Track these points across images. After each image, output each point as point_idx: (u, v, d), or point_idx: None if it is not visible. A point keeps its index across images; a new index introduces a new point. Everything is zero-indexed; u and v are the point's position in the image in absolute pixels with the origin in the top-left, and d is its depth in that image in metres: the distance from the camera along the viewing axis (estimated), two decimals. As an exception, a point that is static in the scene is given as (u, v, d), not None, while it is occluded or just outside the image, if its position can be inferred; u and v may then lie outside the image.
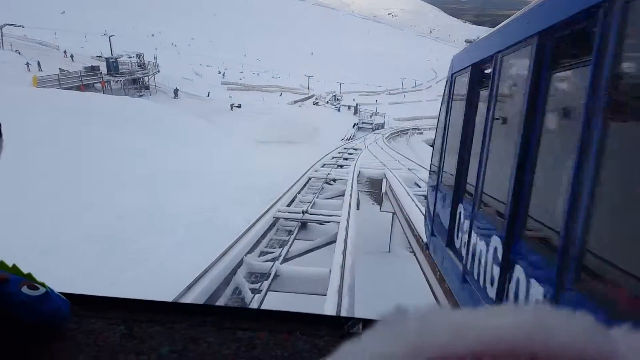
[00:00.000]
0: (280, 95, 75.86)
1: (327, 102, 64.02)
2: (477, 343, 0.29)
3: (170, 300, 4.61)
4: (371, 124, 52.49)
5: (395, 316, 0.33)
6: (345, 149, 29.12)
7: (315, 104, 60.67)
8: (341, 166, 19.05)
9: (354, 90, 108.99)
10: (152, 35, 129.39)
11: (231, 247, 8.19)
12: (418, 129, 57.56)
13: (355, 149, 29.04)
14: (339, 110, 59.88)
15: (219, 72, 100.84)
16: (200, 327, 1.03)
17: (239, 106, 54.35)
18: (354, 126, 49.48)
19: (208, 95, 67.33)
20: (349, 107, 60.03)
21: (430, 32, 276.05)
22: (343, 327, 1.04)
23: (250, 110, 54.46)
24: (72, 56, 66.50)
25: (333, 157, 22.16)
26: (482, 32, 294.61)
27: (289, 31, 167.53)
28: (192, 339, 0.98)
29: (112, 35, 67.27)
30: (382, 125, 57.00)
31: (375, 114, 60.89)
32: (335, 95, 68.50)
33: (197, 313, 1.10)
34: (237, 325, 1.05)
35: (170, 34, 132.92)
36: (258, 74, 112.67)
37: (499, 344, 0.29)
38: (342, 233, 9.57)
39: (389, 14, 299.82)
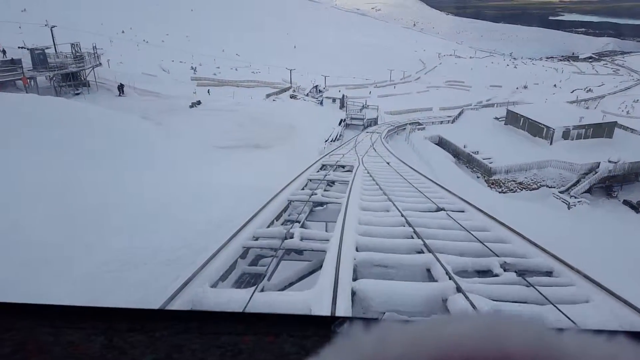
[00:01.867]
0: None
1: (307, 95, 52.02)
2: (432, 353, 0.29)
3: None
4: (362, 119, 40.23)
5: (353, 330, 0.33)
6: (323, 168, 15.92)
7: (293, 97, 48.67)
8: (300, 255, 6.36)
9: (340, 83, 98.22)
10: (122, 32, 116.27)
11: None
12: (419, 124, 45.60)
13: (343, 168, 16.01)
14: (321, 103, 47.93)
15: (192, 68, 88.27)
16: (183, 333, 0.97)
17: (198, 103, 42.15)
18: (340, 123, 37.60)
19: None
20: (334, 100, 48.22)
21: (414, 24, 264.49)
22: (330, 327, 0.97)
23: (213, 108, 42.30)
24: (4, 51, 53.85)
25: (293, 201, 9.13)
26: (465, 23, 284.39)
27: (270, 26, 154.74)
28: (175, 347, 0.93)
29: (54, 26, 54.12)
30: (375, 121, 44.97)
31: (366, 106, 49.03)
32: (316, 86, 56.10)
33: (179, 319, 1.01)
34: (220, 330, 0.97)
35: (142, 30, 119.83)
36: (236, 69, 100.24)
37: (454, 353, 0.29)
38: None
39: (372, 8, 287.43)
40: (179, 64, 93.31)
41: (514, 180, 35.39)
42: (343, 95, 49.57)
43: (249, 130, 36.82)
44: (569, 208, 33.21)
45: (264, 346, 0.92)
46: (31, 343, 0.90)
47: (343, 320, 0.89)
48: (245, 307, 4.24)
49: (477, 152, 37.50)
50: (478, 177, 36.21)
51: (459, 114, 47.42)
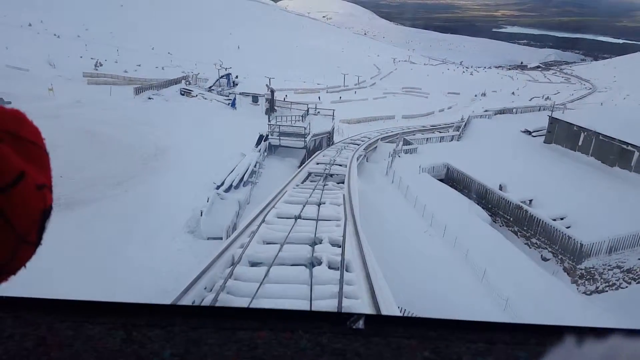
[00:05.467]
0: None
1: (211, 90, 31.22)
2: None
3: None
4: (302, 136, 19.18)
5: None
6: None
7: (186, 93, 27.74)
8: None
9: (288, 87, 78.16)
10: (30, 24, 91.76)
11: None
12: (407, 142, 24.87)
13: None
14: (232, 104, 27.23)
15: (95, 64, 65.92)
16: (200, 328, 0.94)
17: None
18: (259, 143, 17.21)
19: (51, 89, 32.64)
20: (255, 99, 27.44)
21: (365, 33, 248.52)
22: (345, 323, 0.94)
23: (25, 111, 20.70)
24: None
25: None
26: (414, 33, 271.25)
27: (211, 25, 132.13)
28: (193, 341, 0.91)
29: None
30: (328, 138, 24.39)
31: (316, 113, 28.60)
32: (227, 76, 34.58)
33: (196, 315, 0.99)
34: (237, 325, 0.95)
35: (55, 24, 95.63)
36: (163, 68, 77.99)
37: None
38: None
39: (323, 16, 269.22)
40: (84, 59, 70.53)
41: (618, 267, 15.79)
42: (271, 90, 28.38)
43: (61, 159, 15.60)
44: None
45: (280, 342, 0.88)
46: (52, 337, 0.87)
47: (358, 316, 0.91)
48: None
49: (530, 201, 17.78)
50: (545, 259, 16.39)
51: (465, 125, 27.61)
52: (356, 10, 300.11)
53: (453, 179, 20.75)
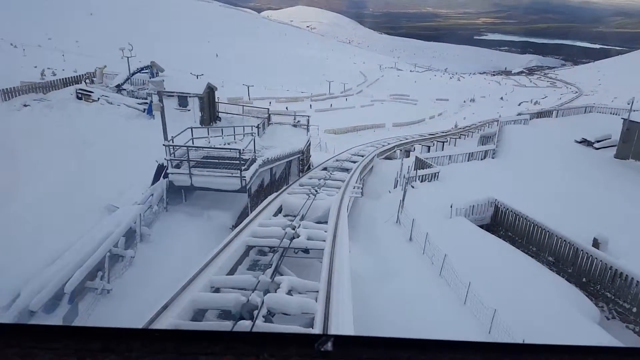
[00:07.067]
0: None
1: (120, 90, 22.48)
2: None
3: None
4: (238, 167, 10.51)
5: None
6: None
7: (84, 95, 19.21)
8: None
9: (270, 96, 70.32)
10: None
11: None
12: (425, 164, 15.99)
13: None
14: (149, 111, 18.62)
15: (51, 73, 57.32)
16: (159, 354, 0.86)
17: None
18: (156, 180, 8.97)
19: None
20: (182, 101, 18.55)
21: (349, 42, 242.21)
22: (313, 346, 0.87)
23: None
24: None
25: None
26: (398, 41, 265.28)
27: (188, 33, 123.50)
28: None
29: None
30: (301, 161, 16.07)
31: (297, 122, 20.20)
32: (148, 69, 25.21)
33: (157, 339, 0.90)
34: (199, 350, 0.87)
35: (13, 32, 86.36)
36: (129, 78, 69.09)
37: None
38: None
39: (307, 26, 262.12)
40: (38, 69, 62.03)
41: None
42: (209, 88, 19.13)
43: None
44: None
45: None
46: None
47: (327, 338, 0.85)
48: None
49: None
50: None
51: (499, 134, 19.25)
52: (340, 20, 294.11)
53: (506, 227, 12.37)
